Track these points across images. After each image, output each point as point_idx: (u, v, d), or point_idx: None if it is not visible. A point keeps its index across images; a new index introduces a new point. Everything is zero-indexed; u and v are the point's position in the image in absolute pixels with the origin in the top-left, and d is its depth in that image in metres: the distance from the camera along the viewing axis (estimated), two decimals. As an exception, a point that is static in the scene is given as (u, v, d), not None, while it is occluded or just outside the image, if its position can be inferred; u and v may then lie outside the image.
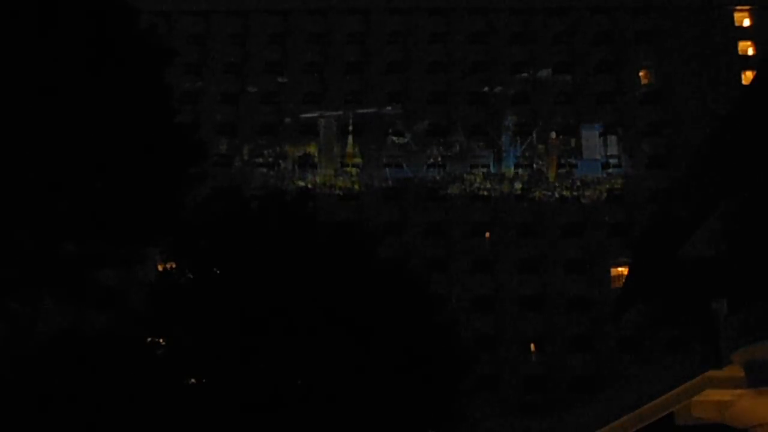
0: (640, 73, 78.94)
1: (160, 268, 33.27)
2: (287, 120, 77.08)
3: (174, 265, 31.25)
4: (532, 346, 70.90)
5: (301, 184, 74.43)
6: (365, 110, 77.22)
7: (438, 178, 75.68)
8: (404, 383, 29.18)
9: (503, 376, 68.45)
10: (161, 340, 29.69)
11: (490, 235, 73.94)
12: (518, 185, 75.36)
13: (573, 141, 76.66)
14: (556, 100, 77.60)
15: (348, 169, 76.27)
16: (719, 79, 75.78)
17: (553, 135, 76.81)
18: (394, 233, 68.77)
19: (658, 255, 35.91)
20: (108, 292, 26.64)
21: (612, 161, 76.22)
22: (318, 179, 75.65)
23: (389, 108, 77.30)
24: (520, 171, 75.85)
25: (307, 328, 28.18)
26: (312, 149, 76.69)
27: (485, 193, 75.00)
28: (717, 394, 26.67)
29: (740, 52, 78.01)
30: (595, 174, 75.58)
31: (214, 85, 77.59)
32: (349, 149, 76.75)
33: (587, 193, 74.91)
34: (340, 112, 77.33)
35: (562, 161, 76.14)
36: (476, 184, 75.36)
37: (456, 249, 72.83)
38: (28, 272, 24.28)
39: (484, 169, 75.97)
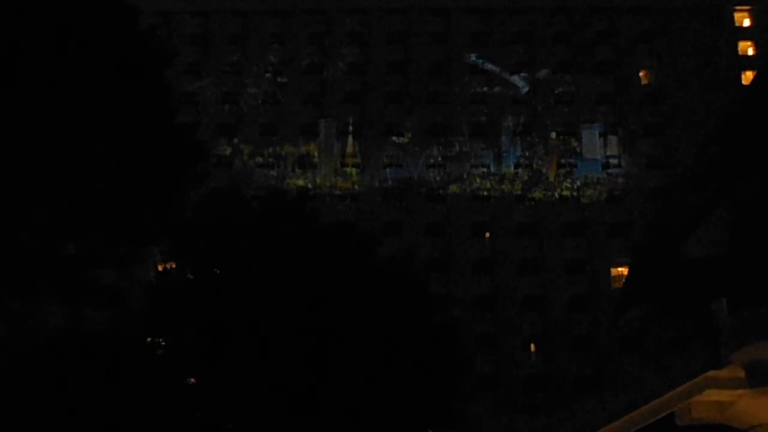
0: (640, 73, 78.96)
1: (160, 268, 33.26)
2: (287, 120, 77.05)
3: (174, 265, 31.28)
4: (532, 346, 70.88)
5: (301, 184, 74.50)
6: (365, 110, 77.20)
7: (438, 178, 75.65)
8: (404, 383, 29.19)
9: (503, 376, 68.43)
10: (161, 340, 29.70)
11: (490, 235, 73.93)
12: (518, 185, 75.33)
13: (573, 141, 76.67)
14: (556, 100, 77.64)
15: (348, 169, 76.24)
16: (719, 79, 75.75)
17: (553, 135, 76.82)
18: (394, 233, 68.80)
19: (658, 255, 35.88)
20: (108, 292, 26.65)
21: (612, 161, 76.23)
22: (318, 179, 75.63)
23: (389, 108, 77.26)
24: (520, 171, 75.83)
25: (306, 328, 28.20)
26: (312, 149, 76.67)
27: (485, 193, 74.98)
28: (717, 394, 26.58)
29: (740, 52, 77.98)
30: (595, 174, 75.57)
31: (214, 85, 77.60)
32: (349, 149, 76.72)
33: (587, 193, 74.90)
34: (340, 113, 77.32)
35: (562, 161, 76.14)
36: (476, 184, 75.35)
37: (456, 249, 72.81)
38: (28, 272, 24.28)
39: (484, 169, 75.96)
